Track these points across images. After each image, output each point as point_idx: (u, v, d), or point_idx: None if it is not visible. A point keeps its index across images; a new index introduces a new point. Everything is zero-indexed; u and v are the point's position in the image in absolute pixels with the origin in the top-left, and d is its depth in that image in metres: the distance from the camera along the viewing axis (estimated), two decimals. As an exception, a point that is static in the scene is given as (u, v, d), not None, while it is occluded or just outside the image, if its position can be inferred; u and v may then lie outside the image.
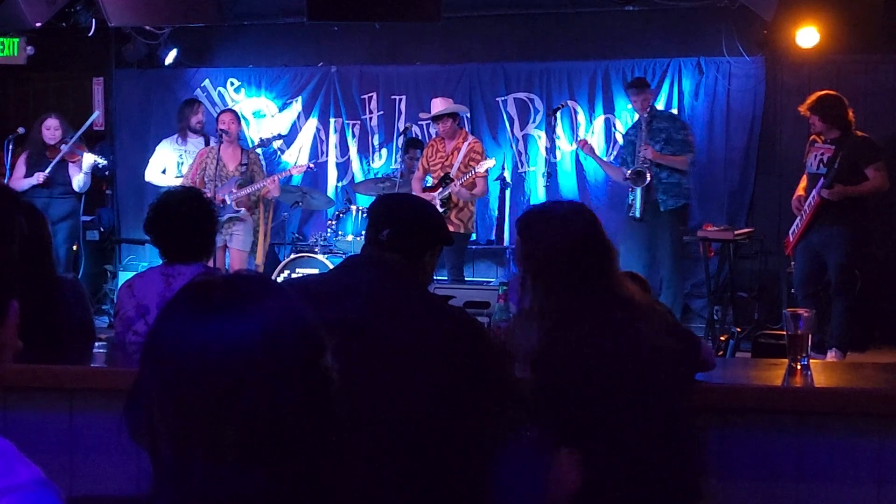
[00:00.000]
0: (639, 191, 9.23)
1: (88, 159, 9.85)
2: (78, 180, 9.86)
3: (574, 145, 10.13)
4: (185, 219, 4.39)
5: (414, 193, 9.45)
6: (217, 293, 1.56)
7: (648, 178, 9.18)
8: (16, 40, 10.57)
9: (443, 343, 2.94)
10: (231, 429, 1.47)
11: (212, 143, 9.76)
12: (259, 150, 10.08)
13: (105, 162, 10.13)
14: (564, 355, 3.03)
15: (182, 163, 10.02)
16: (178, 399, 1.49)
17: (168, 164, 10.11)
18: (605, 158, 10.57)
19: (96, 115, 10.34)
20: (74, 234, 10.15)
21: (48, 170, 9.71)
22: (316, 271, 9.19)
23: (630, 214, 9.30)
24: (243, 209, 9.15)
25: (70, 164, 9.87)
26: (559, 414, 3.02)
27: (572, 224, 3.20)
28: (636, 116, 9.87)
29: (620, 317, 3.09)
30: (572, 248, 3.13)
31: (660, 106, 10.69)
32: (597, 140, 10.86)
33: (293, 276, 9.43)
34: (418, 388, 2.87)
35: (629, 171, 9.39)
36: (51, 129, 9.84)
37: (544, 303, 3.13)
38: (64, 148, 9.76)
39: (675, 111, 10.65)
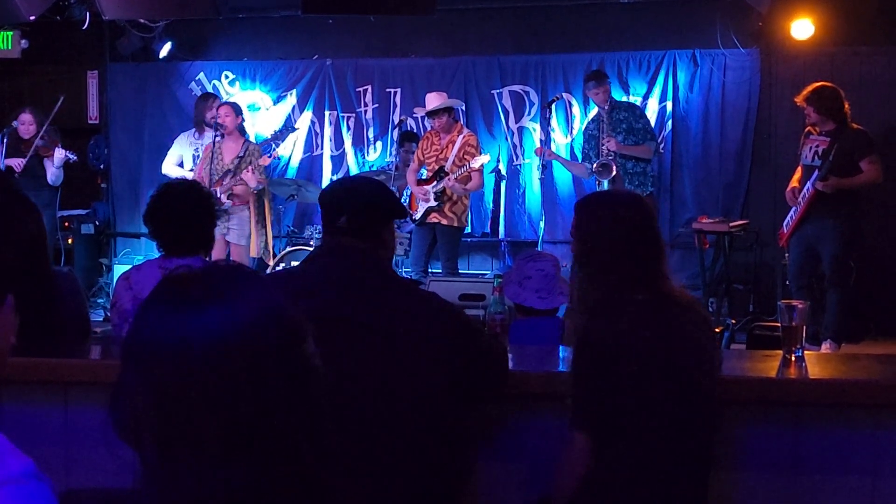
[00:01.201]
0: (606, 183, 9.26)
1: (59, 154, 9.93)
2: (51, 174, 9.94)
3: (541, 152, 10.10)
4: (184, 212, 4.38)
5: (407, 186, 9.47)
6: (194, 287, 1.55)
7: (614, 170, 9.21)
8: (10, 34, 10.56)
9: (422, 326, 2.95)
10: (213, 424, 1.46)
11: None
12: (256, 141, 10.05)
13: (75, 157, 10.14)
14: (603, 342, 3.04)
15: (198, 156, 10.02)
16: (160, 396, 1.47)
17: (185, 158, 10.11)
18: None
19: (62, 100, 10.33)
20: (51, 226, 10.17)
21: (28, 157, 9.85)
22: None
23: None
24: (233, 202, 9.13)
25: (46, 159, 9.96)
26: (585, 399, 3.03)
27: (632, 212, 3.23)
28: (593, 111, 9.95)
29: (664, 312, 3.11)
30: (628, 235, 3.16)
31: (654, 98, 10.71)
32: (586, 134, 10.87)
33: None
34: (401, 372, 2.89)
35: (595, 165, 9.43)
36: (24, 123, 9.98)
37: (592, 284, 3.16)
38: (38, 142, 9.83)
39: (670, 101, 10.67)
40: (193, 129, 10.21)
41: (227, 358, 1.47)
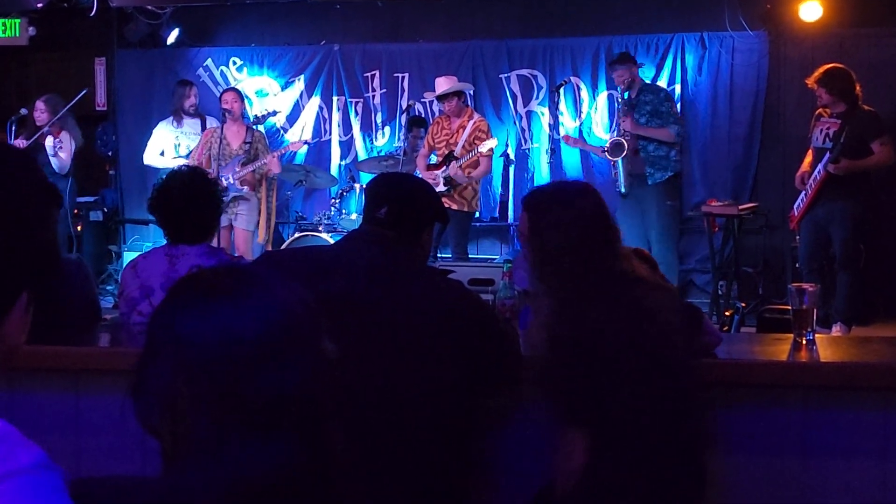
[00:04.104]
0: (620, 163, 9.24)
1: (49, 142, 9.94)
2: (53, 162, 9.95)
3: (565, 140, 10.16)
4: (189, 199, 4.35)
5: (416, 171, 9.45)
6: (225, 280, 1.64)
7: (626, 149, 9.18)
8: (17, 21, 10.57)
9: (443, 317, 2.95)
10: (263, 402, 1.56)
11: (211, 124, 9.79)
12: (261, 128, 10.06)
13: (61, 145, 10.10)
14: (577, 335, 3.01)
15: (178, 144, 10.03)
16: (214, 381, 1.56)
17: (166, 147, 10.13)
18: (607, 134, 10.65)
19: (84, 93, 10.35)
20: (64, 215, 10.17)
21: (30, 142, 9.86)
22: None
23: (616, 190, 9.30)
24: (246, 188, 9.14)
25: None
26: (569, 395, 3.02)
27: (580, 203, 3.20)
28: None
29: (631, 296, 3.09)
30: (579, 227, 3.13)
31: (663, 81, 10.67)
32: (600, 116, 10.85)
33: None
34: (418, 361, 2.89)
35: (606, 143, 9.42)
36: (38, 111, 9.97)
37: (552, 281, 3.13)
38: (45, 129, 9.84)
39: (678, 84, 10.65)
40: (171, 118, 10.22)
41: (272, 343, 1.59)
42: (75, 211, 10.96)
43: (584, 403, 2.99)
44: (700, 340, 3.30)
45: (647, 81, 10.03)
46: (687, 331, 3.17)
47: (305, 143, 10.60)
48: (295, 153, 11.33)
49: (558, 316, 3.07)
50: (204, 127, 9.99)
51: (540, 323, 3.14)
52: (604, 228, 3.18)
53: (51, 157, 9.93)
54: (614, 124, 9.57)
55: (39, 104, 10.03)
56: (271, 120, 11.35)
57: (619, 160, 9.25)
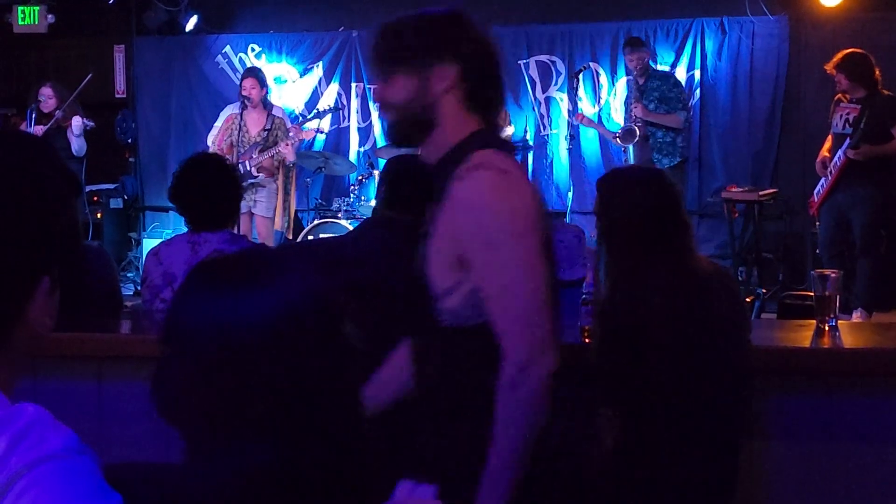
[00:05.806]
0: (631, 149, 9.26)
1: (77, 122, 9.93)
2: (75, 144, 9.97)
3: (577, 119, 10.15)
4: (209, 185, 4.34)
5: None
6: (232, 271, 1.59)
7: (638, 135, 9.20)
8: (36, 8, 10.60)
9: None
10: (256, 401, 1.50)
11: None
12: (280, 114, 10.04)
13: (92, 124, 10.12)
14: (628, 316, 3.03)
15: None
16: (205, 377, 1.51)
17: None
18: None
19: (89, 78, 10.36)
20: (80, 200, 10.19)
21: (47, 127, 9.86)
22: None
23: None
24: (262, 175, 9.13)
25: (68, 130, 9.96)
26: (611, 373, 3.03)
27: (652, 190, 3.20)
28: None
29: (689, 285, 3.08)
30: (648, 212, 3.12)
31: (682, 67, 10.65)
32: (619, 102, 10.81)
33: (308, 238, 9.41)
34: None
35: (619, 130, 9.43)
36: (45, 97, 9.97)
37: (615, 262, 3.15)
38: (58, 114, 9.85)
39: (698, 70, 10.61)
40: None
41: (270, 338, 1.51)
42: (94, 198, 10.99)
43: (623, 384, 3.00)
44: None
45: (655, 67, 10.02)
46: (746, 326, 3.18)
47: (320, 131, 10.54)
48: (314, 140, 11.33)
49: (615, 296, 3.09)
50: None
51: (600, 301, 3.15)
52: (671, 217, 3.16)
53: (75, 138, 9.93)
54: (627, 111, 9.57)
55: (47, 90, 10.01)
56: (290, 106, 11.36)
57: (631, 147, 9.26)
